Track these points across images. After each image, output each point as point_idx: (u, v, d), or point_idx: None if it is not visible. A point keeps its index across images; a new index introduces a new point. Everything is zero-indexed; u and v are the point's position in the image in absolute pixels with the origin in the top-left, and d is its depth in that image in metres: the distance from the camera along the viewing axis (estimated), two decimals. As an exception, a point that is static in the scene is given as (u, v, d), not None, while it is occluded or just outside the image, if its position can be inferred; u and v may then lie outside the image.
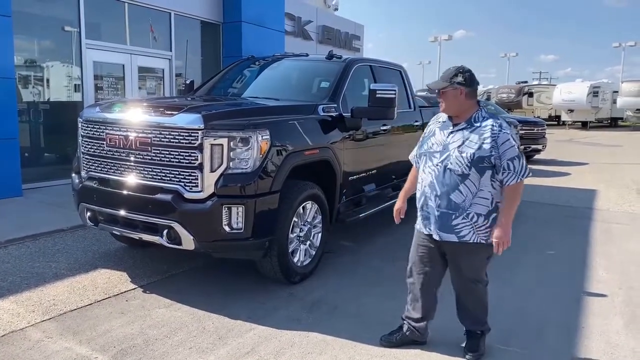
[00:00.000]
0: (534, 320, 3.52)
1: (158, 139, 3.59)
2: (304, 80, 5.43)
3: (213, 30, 10.76)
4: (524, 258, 4.83)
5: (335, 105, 4.58)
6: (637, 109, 28.37)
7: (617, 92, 29.00)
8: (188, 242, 3.57)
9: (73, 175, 4.32)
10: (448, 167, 2.77)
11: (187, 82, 5.95)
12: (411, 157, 3.12)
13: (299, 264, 4.07)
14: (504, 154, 2.68)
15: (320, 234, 4.29)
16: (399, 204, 3.18)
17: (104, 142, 3.86)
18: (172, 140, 3.54)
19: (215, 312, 3.53)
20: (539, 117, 24.87)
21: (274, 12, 11.37)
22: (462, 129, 2.78)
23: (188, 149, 3.49)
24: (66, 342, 3.07)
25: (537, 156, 13.46)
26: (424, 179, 2.89)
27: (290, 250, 3.93)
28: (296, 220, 3.98)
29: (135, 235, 3.88)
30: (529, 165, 2.78)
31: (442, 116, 2.93)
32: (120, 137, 3.75)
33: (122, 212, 3.75)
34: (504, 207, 2.75)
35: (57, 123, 8.31)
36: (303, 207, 4.05)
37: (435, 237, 2.87)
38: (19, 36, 7.33)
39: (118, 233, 4.17)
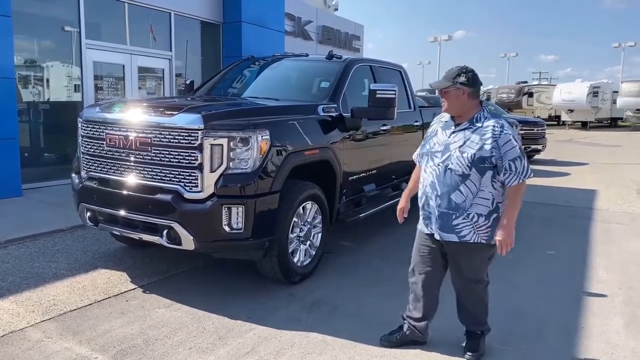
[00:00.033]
0: (534, 320, 3.52)
1: (158, 139, 3.59)
2: (304, 80, 5.43)
3: (213, 30, 10.76)
4: (524, 258, 4.83)
5: (335, 105, 4.58)
6: (637, 109, 28.35)
7: (617, 92, 29.01)
8: (188, 242, 3.57)
9: (73, 175, 4.32)
10: (449, 167, 2.76)
11: (187, 82, 5.95)
12: (414, 156, 3.13)
13: (299, 264, 4.07)
14: (505, 155, 2.67)
15: (320, 234, 4.29)
16: (402, 203, 3.18)
17: (104, 142, 3.86)
18: (172, 140, 3.54)
19: (215, 312, 3.53)
20: (538, 117, 24.86)
21: (274, 12, 11.37)
22: (464, 129, 2.78)
23: (188, 149, 3.49)
24: (66, 342, 3.07)
25: (537, 156, 13.47)
26: (425, 178, 2.90)
27: (290, 250, 3.93)
28: (296, 220, 3.98)
29: (135, 236, 3.88)
30: (530, 166, 2.78)
31: (445, 116, 2.93)
32: (120, 137, 3.75)
33: (122, 212, 3.75)
34: (506, 208, 2.75)
35: (57, 123, 8.31)
36: (303, 207, 4.05)
37: (436, 236, 2.87)
38: (19, 36, 7.32)
39: (118, 233, 4.17)
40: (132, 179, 3.74)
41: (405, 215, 3.19)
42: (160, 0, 9.31)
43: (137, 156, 3.69)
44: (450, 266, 2.98)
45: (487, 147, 2.68)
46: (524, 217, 6.39)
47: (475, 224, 2.77)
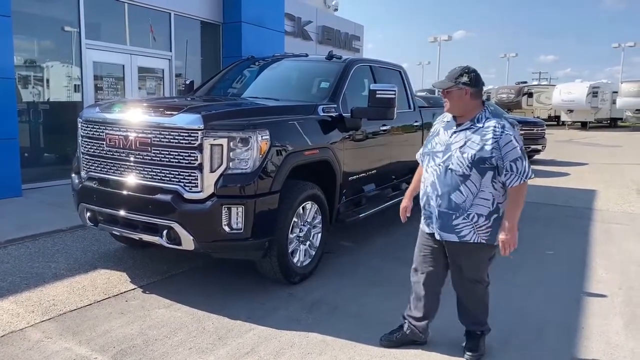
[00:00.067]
0: (534, 321, 3.52)
1: (158, 139, 3.58)
2: (303, 80, 5.43)
3: (213, 30, 10.76)
4: (524, 258, 4.82)
5: (335, 105, 4.58)
6: (637, 110, 28.36)
7: (616, 92, 29.01)
8: (188, 242, 3.57)
9: (73, 175, 4.32)
10: (449, 167, 2.77)
11: (187, 82, 5.95)
12: (418, 155, 3.13)
13: (298, 264, 4.07)
14: (506, 156, 2.67)
15: (320, 234, 4.29)
16: (405, 202, 3.19)
17: (104, 142, 3.86)
18: (171, 140, 3.54)
19: (215, 312, 3.53)
20: (538, 117, 24.87)
21: (273, 13, 11.37)
22: (465, 129, 2.78)
23: (188, 149, 3.49)
24: (66, 343, 3.07)
25: (536, 156, 13.47)
26: (427, 178, 2.90)
27: (290, 250, 3.93)
28: (296, 220, 3.98)
29: (135, 236, 3.87)
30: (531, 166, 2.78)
31: (447, 116, 2.93)
32: (120, 137, 3.75)
33: (122, 213, 3.75)
34: (508, 209, 2.75)
35: (56, 123, 8.31)
36: (303, 208, 4.05)
37: (436, 236, 2.88)
38: (18, 36, 7.32)
39: (118, 233, 4.16)
40: (132, 179, 3.74)
41: (409, 214, 3.20)
42: (160, 0, 9.31)
43: (137, 156, 3.69)
44: (450, 266, 2.98)
45: (488, 147, 2.68)
46: (527, 217, 6.40)
47: (476, 224, 2.77)
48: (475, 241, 2.79)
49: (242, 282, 4.11)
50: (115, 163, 3.82)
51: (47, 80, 8.36)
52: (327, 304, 3.73)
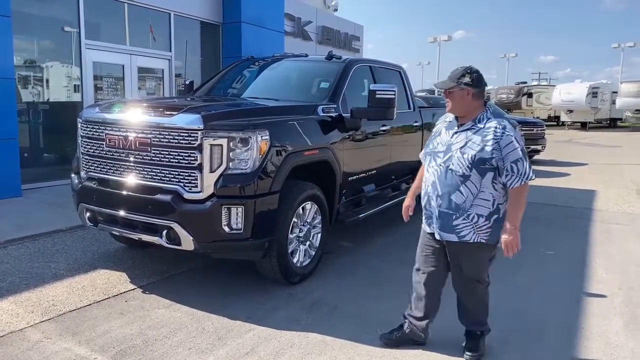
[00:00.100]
0: (534, 321, 3.52)
1: (157, 140, 3.58)
2: (303, 80, 5.43)
3: (213, 30, 10.77)
4: (524, 258, 4.81)
5: (335, 105, 4.58)
6: (636, 110, 28.37)
7: (616, 92, 29.01)
8: (187, 242, 3.57)
9: (72, 175, 4.32)
10: (450, 167, 2.77)
11: (187, 82, 5.95)
12: (421, 155, 3.13)
13: (298, 265, 4.07)
14: (507, 157, 2.66)
15: (319, 235, 4.29)
16: (408, 201, 3.19)
17: (104, 143, 3.86)
18: (171, 140, 3.53)
19: (214, 312, 3.53)
20: (538, 117, 24.87)
21: (273, 13, 11.37)
22: (466, 130, 2.78)
23: (187, 150, 3.49)
24: (65, 343, 3.07)
25: (536, 157, 13.46)
26: (428, 178, 2.90)
27: (289, 250, 3.93)
28: (296, 220, 3.97)
29: (135, 236, 3.87)
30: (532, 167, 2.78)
31: (450, 116, 2.93)
32: (120, 137, 3.74)
33: (122, 213, 3.75)
34: (510, 210, 2.74)
35: (56, 123, 8.31)
36: (303, 208, 4.05)
37: (437, 236, 2.88)
38: (18, 36, 7.32)
39: (117, 233, 4.16)
40: (131, 179, 3.74)
41: (411, 213, 3.20)
42: (160, 1, 9.31)
43: (137, 156, 3.69)
44: (451, 266, 2.98)
45: (488, 148, 2.68)
46: (528, 217, 6.38)
47: (476, 224, 2.77)
48: (475, 241, 2.79)
49: (242, 283, 4.11)
50: (115, 163, 3.82)
51: (47, 81, 8.36)
52: (327, 304, 3.73)
